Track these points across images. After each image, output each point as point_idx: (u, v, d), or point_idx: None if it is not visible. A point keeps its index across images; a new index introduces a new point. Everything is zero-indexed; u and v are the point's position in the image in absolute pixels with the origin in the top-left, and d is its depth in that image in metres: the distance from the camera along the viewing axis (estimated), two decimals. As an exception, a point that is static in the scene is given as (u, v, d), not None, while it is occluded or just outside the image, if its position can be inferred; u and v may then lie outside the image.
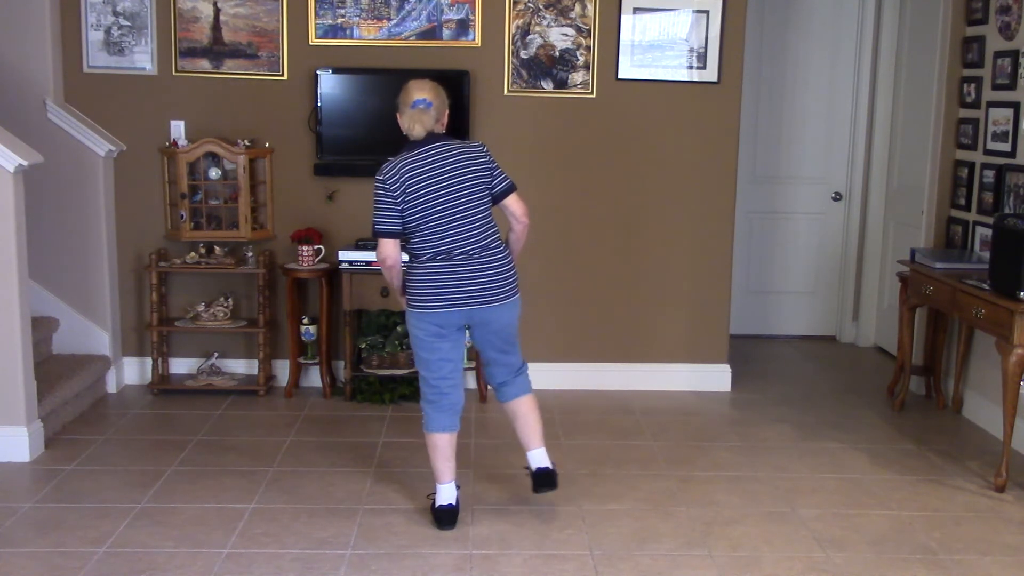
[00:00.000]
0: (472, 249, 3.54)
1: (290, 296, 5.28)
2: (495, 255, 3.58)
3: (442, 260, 3.53)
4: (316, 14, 5.17)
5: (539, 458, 3.78)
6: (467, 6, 5.18)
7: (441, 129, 3.62)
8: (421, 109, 3.53)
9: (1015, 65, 4.75)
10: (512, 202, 3.64)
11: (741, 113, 5.42)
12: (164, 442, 4.57)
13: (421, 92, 3.56)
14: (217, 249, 5.26)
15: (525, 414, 3.77)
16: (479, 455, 4.46)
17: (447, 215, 3.51)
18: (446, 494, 3.71)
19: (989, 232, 4.74)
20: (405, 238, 3.58)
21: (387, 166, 3.53)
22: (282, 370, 5.45)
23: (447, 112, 3.65)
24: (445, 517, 3.69)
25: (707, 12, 5.21)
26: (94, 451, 4.45)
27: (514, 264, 3.66)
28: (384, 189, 3.51)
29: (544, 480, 3.76)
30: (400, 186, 3.49)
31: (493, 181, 3.61)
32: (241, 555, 3.47)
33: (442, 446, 3.68)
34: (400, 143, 5.22)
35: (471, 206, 3.54)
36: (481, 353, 3.79)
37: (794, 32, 6.54)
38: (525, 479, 4.01)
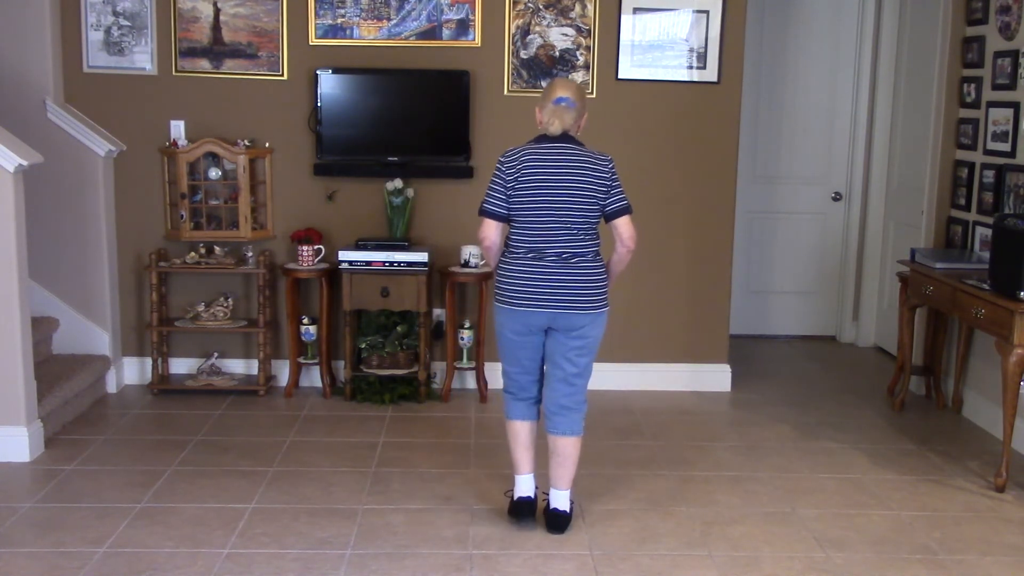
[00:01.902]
0: (565, 254, 3.52)
1: (290, 296, 5.28)
2: (588, 264, 3.54)
3: (534, 259, 3.52)
4: (316, 14, 5.17)
5: (559, 499, 3.71)
6: (467, 6, 5.18)
7: (576, 132, 3.61)
8: (564, 107, 3.53)
9: (1015, 65, 4.75)
10: (622, 224, 3.59)
11: (741, 113, 5.42)
12: (164, 442, 4.57)
13: (566, 91, 3.56)
14: (217, 249, 5.26)
15: (566, 455, 3.68)
16: (479, 455, 4.46)
17: (549, 214, 3.50)
18: (524, 486, 3.71)
19: (989, 232, 4.74)
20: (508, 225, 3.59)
21: (511, 150, 3.56)
22: (282, 370, 5.45)
23: (585, 117, 3.64)
24: (523, 510, 3.69)
25: (707, 12, 5.21)
26: (94, 451, 4.45)
27: (606, 279, 3.61)
28: (501, 171, 3.53)
29: (557, 522, 3.70)
30: (515, 172, 3.50)
31: (609, 198, 3.56)
32: (241, 555, 3.47)
33: (522, 435, 3.69)
34: (397, 143, 5.25)
35: (575, 213, 3.51)
36: (550, 365, 3.68)
37: (794, 32, 6.54)
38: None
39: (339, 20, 5.18)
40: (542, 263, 3.52)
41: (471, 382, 5.41)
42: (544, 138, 3.57)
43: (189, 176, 5.15)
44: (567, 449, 3.68)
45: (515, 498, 3.72)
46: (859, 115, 6.56)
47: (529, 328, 3.58)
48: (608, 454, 4.51)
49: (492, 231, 3.55)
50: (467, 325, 5.30)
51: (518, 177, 3.50)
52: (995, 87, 4.94)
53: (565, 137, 3.56)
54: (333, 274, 5.24)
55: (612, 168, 3.58)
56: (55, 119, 5.04)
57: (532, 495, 3.72)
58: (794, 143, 6.64)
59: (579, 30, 5.22)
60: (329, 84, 5.15)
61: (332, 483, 4.12)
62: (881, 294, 6.52)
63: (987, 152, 4.99)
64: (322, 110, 5.16)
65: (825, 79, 6.57)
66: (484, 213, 3.55)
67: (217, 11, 5.16)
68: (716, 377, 5.55)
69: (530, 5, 5.19)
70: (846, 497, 4.09)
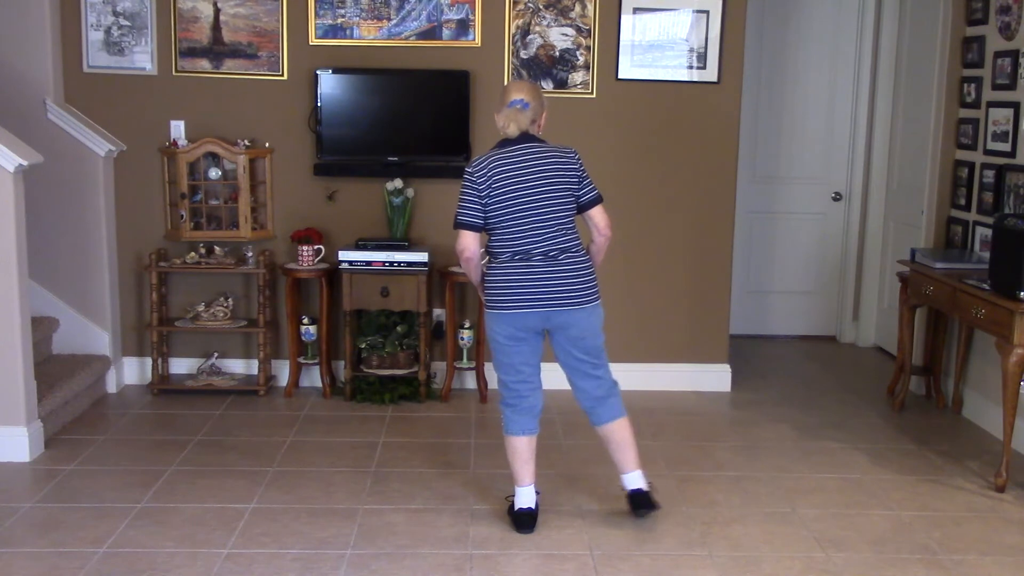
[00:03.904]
0: (551, 251, 3.53)
1: (290, 296, 5.28)
2: (575, 259, 3.56)
3: (520, 260, 3.53)
4: (316, 14, 5.17)
5: (634, 480, 3.73)
6: (467, 6, 5.18)
7: (537, 131, 3.63)
8: (518, 109, 3.54)
9: (1015, 65, 4.75)
10: (596, 213, 3.62)
11: (741, 113, 5.42)
12: (164, 442, 4.57)
13: (519, 93, 3.57)
14: (217, 249, 5.26)
15: (620, 440, 3.71)
16: (479, 455, 4.46)
17: (528, 215, 3.51)
18: (525, 497, 3.70)
19: (989, 232, 4.74)
20: (487, 235, 3.60)
21: (477, 160, 3.56)
22: (282, 370, 5.45)
23: (544, 115, 3.65)
24: (525, 520, 3.68)
25: (707, 12, 5.21)
26: (94, 451, 4.45)
27: (594, 270, 3.62)
28: (471, 182, 3.53)
29: (640, 502, 3.71)
30: (487, 181, 3.50)
31: (580, 189, 3.58)
32: (241, 555, 3.47)
33: (521, 449, 3.66)
34: (397, 143, 5.25)
35: (554, 209, 3.52)
36: (566, 369, 3.69)
37: (794, 32, 6.54)
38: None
39: (339, 20, 5.18)
40: (529, 263, 3.53)
41: (471, 382, 5.41)
42: (506, 142, 3.58)
43: (189, 176, 5.15)
44: (620, 433, 3.71)
45: (516, 509, 3.71)
46: (859, 115, 6.56)
47: (523, 331, 3.57)
48: (609, 454, 4.49)
49: (471, 242, 3.56)
50: (467, 325, 5.30)
51: (491, 185, 3.50)
52: (995, 87, 4.94)
53: (525, 137, 3.57)
54: (333, 274, 5.24)
55: (579, 159, 3.60)
56: (55, 119, 5.04)
57: (533, 506, 3.71)
58: (794, 143, 6.64)
59: (579, 30, 5.22)
60: (329, 84, 5.15)
61: (332, 483, 4.12)
62: (881, 294, 6.52)
63: (987, 152, 4.99)
64: (322, 110, 5.16)
65: (825, 79, 6.57)
66: (461, 225, 3.55)
67: (217, 11, 5.16)
68: (716, 377, 5.55)
69: (530, 5, 5.19)
70: (846, 497, 4.09)
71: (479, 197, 3.52)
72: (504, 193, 3.50)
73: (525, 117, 3.55)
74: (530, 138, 3.58)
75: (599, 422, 3.72)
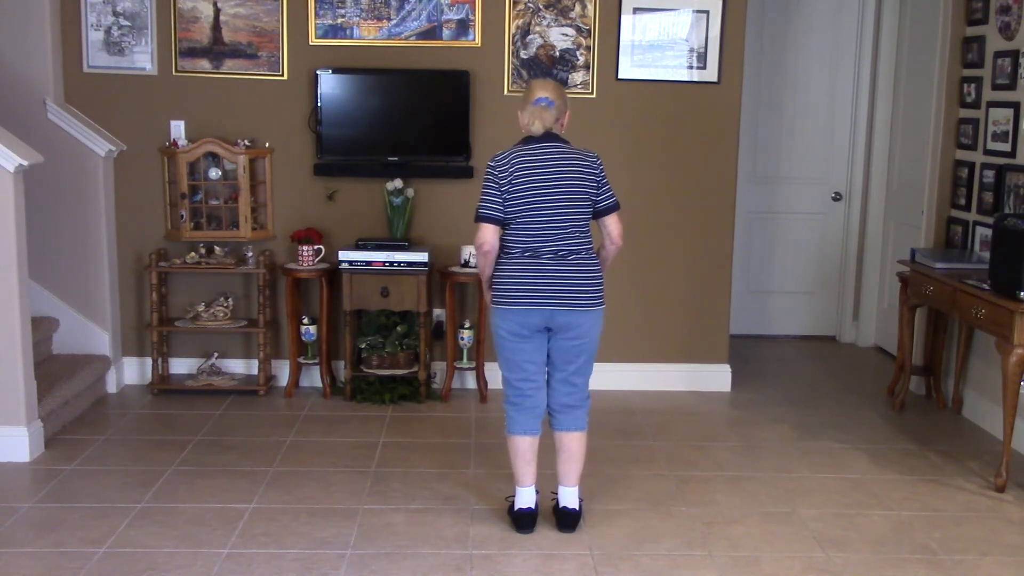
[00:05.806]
0: (562, 251, 3.53)
1: (290, 296, 5.28)
2: (584, 261, 3.56)
3: (530, 257, 3.53)
4: (316, 14, 5.17)
5: (568, 496, 3.73)
6: (467, 6, 5.18)
7: (560, 130, 3.63)
8: (543, 107, 3.55)
9: (1015, 65, 4.75)
10: (611, 221, 3.62)
11: (741, 113, 5.42)
12: (164, 442, 4.57)
13: (544, 91, 3.58)
14: (217, 249, 5.26)
15: (572, 451, 3.70)
16: (479, 455, 4.46)
17: (544, 213, 3.51)
18: (525, 497, 3.70)
19: (989, 232, 4.74)
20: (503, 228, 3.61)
21: (500, 154, 3.57)
22: (282, 370, 5.45)
23: (568, 114, 3.66)
24: (525, 520, 3.69)
25: (707, 12, 5.21)
26: (94, 451, 4.45)
27: (602, 276, 3.62)
28: (493, 176, 3.54)
29: (567, 520, 3.71)
30: (508, 175, 3.51)
31: (599, 195, 3.59)
32: (241, 555, 3.47)
33: (523, 449, 3.67)
34: (397, 143, 5.25)
35: (569, 210, 3.53)
36: (550, 367, 3.70)
37: (794, 32, 6.54)
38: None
39: (339, 20, 5.18)
40: (539, 262, 3.53)
41: (471, 382, 5.41)
42: (530, 139, 3.59)
43: (189, 176, 5.15)
44: (573, 445, 3.69)
45: (516, 509, 3.72)
46: (859, 115, 6.56)
47: (528, 328, 3.57)
48: (608, 454, 4.50)
49: (491, 235, 3.56)
50: (467, 325, 5.30)
51: (511, 180, 3.51)
52: (995, 87, 4.93)
53: (549, 136, 3.58)
54: (333, 274, 5.24)
55: (600, 164, 3.61)
56: (55, 119, 5.04)
57: (533, 506, 3.71)
58: (794, 143, 6.64)
59: (579, 30, 5.22)
60: (329, 84, 5.15)
61: (332, 483, 4.12)
62: (881, 294, 6.52)
63: (987, 152, 4.99)
64: (322, 110, 5.16)
65: (825, 79, 6.57)
66: (482, 218, 3.55)
67: (217, 11, 5.16)
68: (716, 377, 5.55)
69: (530, 5, 5.19)
70: (846, 497, 4.09)
71: (499, 190, 3.52)
72: (522, 188, 3.50)
73: (550, 115, 3.56)
74: (554, 137, 3.59)
75: (558, 428, 3.70)
